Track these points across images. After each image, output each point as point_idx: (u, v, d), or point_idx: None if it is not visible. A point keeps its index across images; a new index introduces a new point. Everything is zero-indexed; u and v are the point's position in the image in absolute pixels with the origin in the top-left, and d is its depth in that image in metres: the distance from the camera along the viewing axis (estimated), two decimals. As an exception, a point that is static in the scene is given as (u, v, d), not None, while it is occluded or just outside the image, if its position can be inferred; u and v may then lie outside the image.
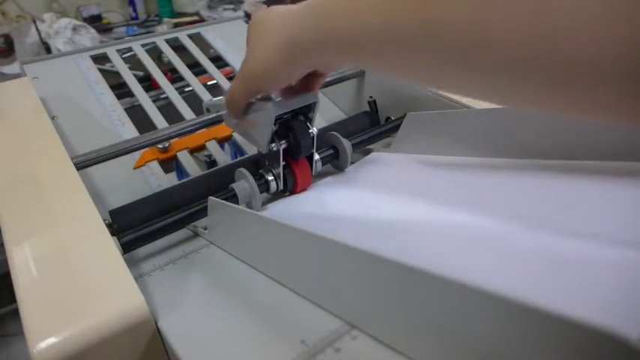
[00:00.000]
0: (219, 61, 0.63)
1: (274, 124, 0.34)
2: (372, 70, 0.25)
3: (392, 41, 0.21)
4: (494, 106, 0.36)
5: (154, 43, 0.65)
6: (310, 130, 0.36)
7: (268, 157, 0.38)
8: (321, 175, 0.42)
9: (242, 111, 0.34)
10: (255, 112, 0.34)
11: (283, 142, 0.36)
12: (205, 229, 0.36)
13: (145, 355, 0.25)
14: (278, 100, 0.34)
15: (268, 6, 0.32)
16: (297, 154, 0.37)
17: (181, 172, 0.51)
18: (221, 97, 0.43)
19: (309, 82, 0.34)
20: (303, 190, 0.39)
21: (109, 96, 0.54)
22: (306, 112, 0.36)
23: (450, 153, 0.40)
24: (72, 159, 0.35)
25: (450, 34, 0.18)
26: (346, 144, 0.40)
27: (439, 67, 0.20)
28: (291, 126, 0.36)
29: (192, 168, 0.47)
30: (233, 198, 0.36)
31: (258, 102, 0.34)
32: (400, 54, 0.21)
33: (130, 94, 0.57)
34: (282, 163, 0.37)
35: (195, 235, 0.37)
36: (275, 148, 0.36)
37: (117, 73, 0.60)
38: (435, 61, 0.20)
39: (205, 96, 0.57)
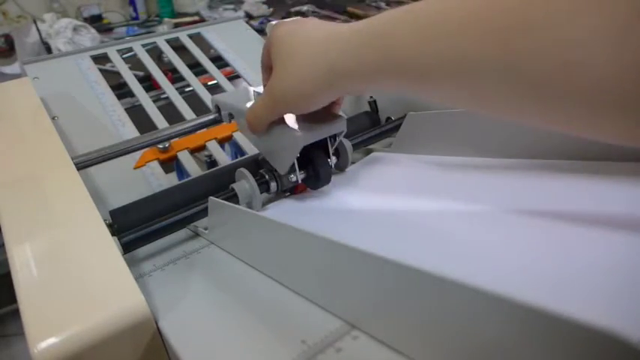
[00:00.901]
0: (219, 61, 0.64)
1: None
2: (431, 100, 0.24)
3: (465, 74, 0.21)
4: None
5: (155, 43, 0.65)
6: (328, 159, 0.36)
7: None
8: (322, 175, 0.42)
9: (264, 130, 0.33)
10: (280, 135, 0.34)
11: (302, 172, 0.36)
12: (206, 229, 0.36)
13: (145, 355, 0.25)
14: (303, 129, 0.33)
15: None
16: (316, 185, 0.37)
17: (182, 172, 0.51)
18: (233, 92, 0.42)
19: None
20: (304, 190, 0.39)
21: (110, 96, 0.54)
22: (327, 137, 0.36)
23: (451, 153, 0.40)
24: (72, 159, 0.35)
25: (531, 70, 0.18)
26: (347, 144, 0.40)
27: (513, 100, 0.20)
28: (311, 157, 0.35)
29: (193, 168, 0.47)
30: (233, 198, 0.36)
31: (283, 125, 0.33)
32: (473, 87, 0.21)
33: (131, 94, 0.57)
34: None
35: (196, 235, 0.37)
36: (294, 179, 0.36)
37: (117, 73, 0.60)
38: (510, 94, 0.20)
39: (206, 96, 0.57)
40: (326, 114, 0.35)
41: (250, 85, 0.60)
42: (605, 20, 0.17)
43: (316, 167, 0.36)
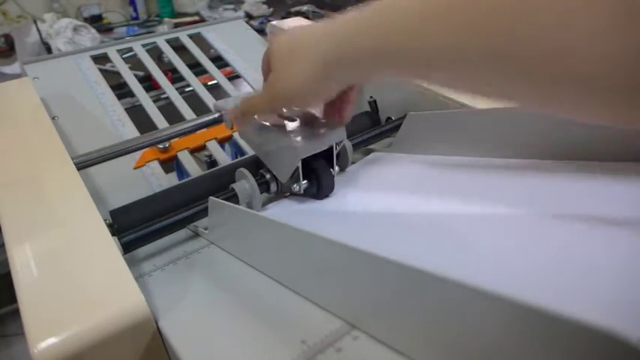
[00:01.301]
0: (219, 61, 0.64)
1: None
2: (424, 82, 0.25)
3: (458, 61, 0.21)
4: (494, 105, 0.37)
5: (155, 43, 0.65)
6: (332, 169, 0.36)
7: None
8: (322, 175, 0.42)
9: (252, 118, 0.34)
10: (279, 145, 0.34)
11: (305, 182, 0.36)
12: (206, 229, 0.36)
13: (145, 355, 0.25)
14: (302, 139, 0.33)
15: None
16: (318, 196, 0.37)
17: (182, 172, 0.51)
18: (235, 97, 0.42)
19: (336, 110, 0.34)
20: (304, 190, 0.39)
21: (110, 96, 0.54)
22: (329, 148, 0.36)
23: (451, 153, 0.40)
24: (72, 159, 0.35)
25: (525, 52, 0.18)
26: (347, 144, 0.40)
27: (506, 82, 0.20)
28: (314, 167, 0.36)
29: (193, 168, 0.47)
30: (233, 198, 0.36)
31: (282, 133, 0.33)
32: (465, 72, 0.21)
33: (131, 94, 0.57)
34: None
35: (196, 235, 0.37)
36: (297, 189, 0.36)
37: (117, 73, 0.60)
38: (503, 78, 0.20)
39: (206, 96, 0.57)
40: (326, 121, 0.35)
41: (250, 85, 0.60)
42: None
43: (319, 179, 0.36)
